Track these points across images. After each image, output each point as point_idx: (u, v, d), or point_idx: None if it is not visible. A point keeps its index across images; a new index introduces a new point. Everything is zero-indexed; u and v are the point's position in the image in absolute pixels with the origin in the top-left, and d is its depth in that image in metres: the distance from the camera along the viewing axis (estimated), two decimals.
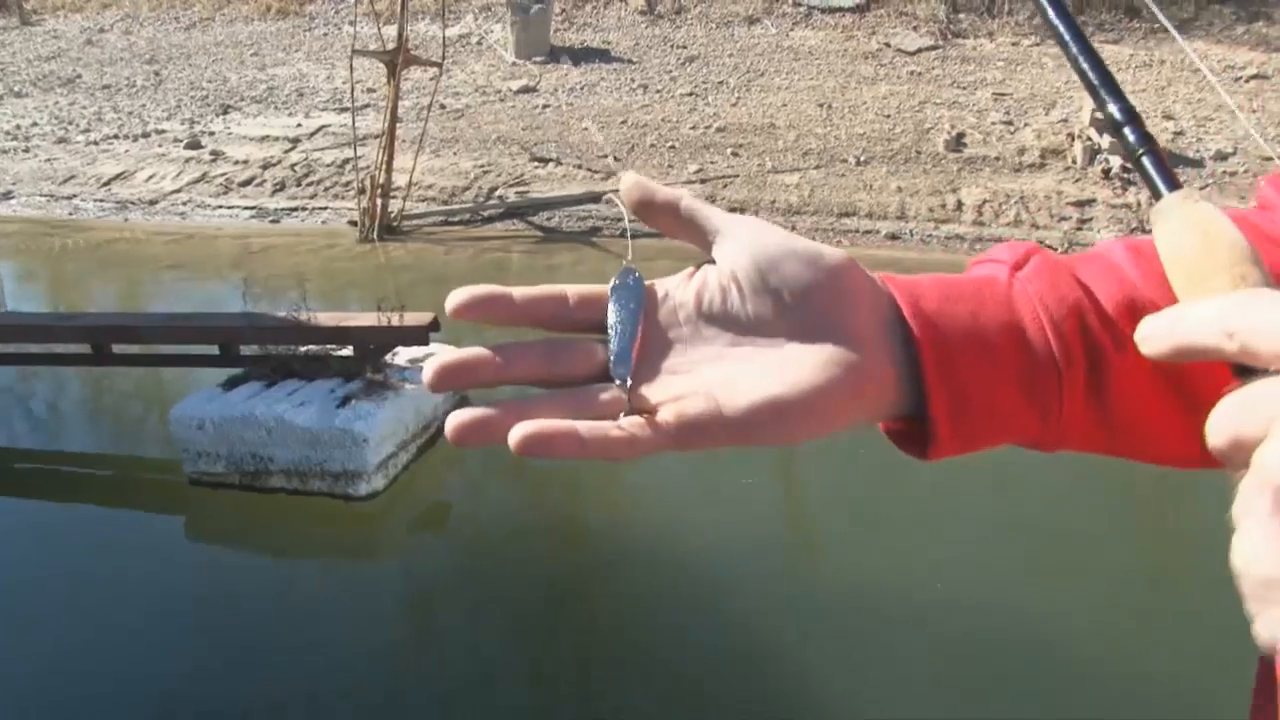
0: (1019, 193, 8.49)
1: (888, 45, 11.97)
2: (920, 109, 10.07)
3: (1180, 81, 10.73)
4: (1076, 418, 0.52)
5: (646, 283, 0.52)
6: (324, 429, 4.29)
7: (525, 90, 11.07)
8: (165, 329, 5.00)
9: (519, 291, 0.50)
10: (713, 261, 0.53)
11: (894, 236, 7.98)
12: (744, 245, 0.51)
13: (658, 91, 10.92)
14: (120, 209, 9.16)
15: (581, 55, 12.07)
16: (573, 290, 0.52)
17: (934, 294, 0.52)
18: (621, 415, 0.47)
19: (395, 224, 8.35)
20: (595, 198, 8.57)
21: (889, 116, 9.87)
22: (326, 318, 4.91)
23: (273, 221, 8.82)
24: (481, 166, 9.25)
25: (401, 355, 4.77)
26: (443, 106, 10.29)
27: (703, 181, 8.69)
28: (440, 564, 4.30)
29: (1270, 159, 8.92)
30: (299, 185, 9.26)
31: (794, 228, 8.04)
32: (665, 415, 0.47)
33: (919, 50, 11.88)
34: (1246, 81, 10.68)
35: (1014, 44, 11.97)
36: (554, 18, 12.61)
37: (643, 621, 3.83)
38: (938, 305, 0.51)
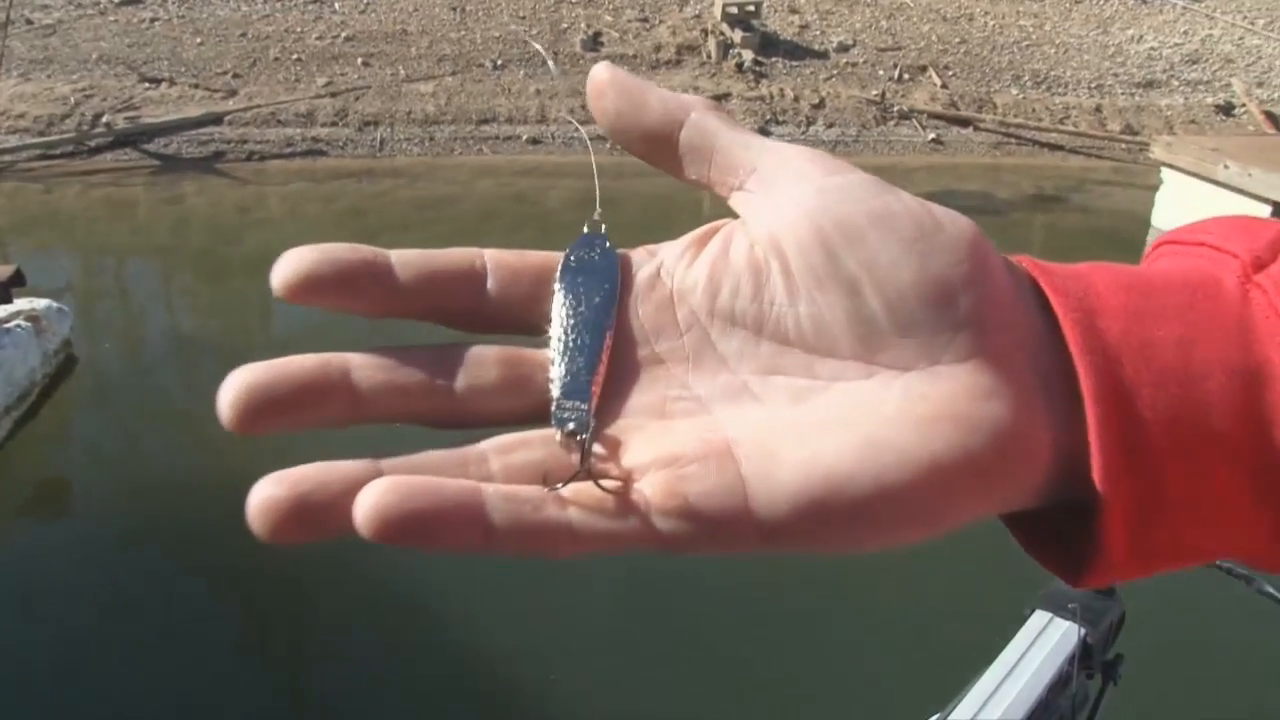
0: None
1: None
2: (556, 9, 9.88)
3: None
4: None
5: (621, 252, 0.32)
6: None
7: (128, 2, 10.01)
8: None
9: (402, 259, 0.30)
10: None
11: (535, 140, 7.84)
12: (799, 197, 0.30)
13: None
14: None
15: None
16: (493, 260, 0.31)
17: (1117, 306, 0.30)
18: (563, 485, 0.28)
19: None
20: (217, 119, 7.89)
21: (524, 18, 9.61)
22: None
23: None
24: (82, 90, 8.27)
25: None
26: (29, 21, 9.11)
27: (333, 95, 8.19)
28: (59, 550, 3.81)
29: (886, 49, 9.39)
30: None
31: (432, 138, 7.75)
32: (650, 491, 0.28)
33: None
34: None
35: None
36: None
37: (317, 584, 3.55)
38: (1124, 328, 0.30)
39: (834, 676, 3.05)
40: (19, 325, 4.11)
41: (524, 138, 7.88)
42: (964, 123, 8.64)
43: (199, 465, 4.23)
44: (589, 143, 0.37)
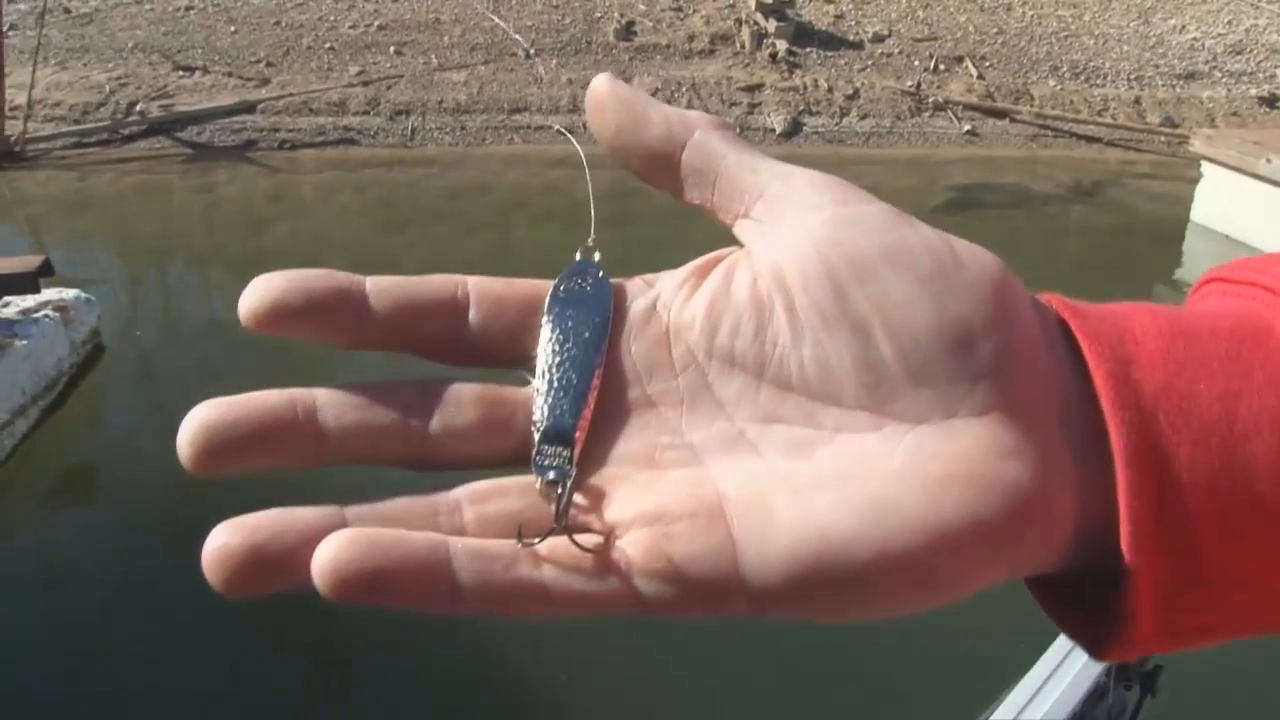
0: (690, 80, 8.48)
1: None
2: None
3: None
4: None
5: (615, 282, 0.30)
6: None
7: None
8: None
9: (378, 288, 0.29)
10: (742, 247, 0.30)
11: (568, 130, 7.80)
12: (807, 228, 0.28)
13: None
14: None
15: None
16: (476, 289, 0.30)
17: (1155, 354, 0.27)
18: (540, 538, 0.26)
19: (17, 149, 7.37)
20: (249, 107, 7.92)
21: (557, 6, 9.58)
22: None
23: None
24: (118, 79, 8.33)
25: (12, 306, 4.18)
26: (67, 10, 9.20)
27: (365, 84, 8.19)
28: (85, 538, 3.83)
29: (922, 40, 9.28)
30: None
31: (463, 128, 7.74)
32: (632, 550, 0.26)
33: None
34: None
35: None
36: None
37: None
38: (1163, 380, 0.27)
39: (865, 687, 3.00)
40: (47, 315, 4.12)
41: (555, 127, 7.85)
42: (1000, 114, 8.53)
43: None
44: (583, 156, 0.35)
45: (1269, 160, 5.66)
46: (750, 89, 8.47)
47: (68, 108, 7.96)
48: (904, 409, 0.27)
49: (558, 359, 0.29)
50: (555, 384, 0.28)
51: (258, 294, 0.28)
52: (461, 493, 0.28)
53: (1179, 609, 0.27)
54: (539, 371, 0.29)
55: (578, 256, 0.31)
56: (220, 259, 6.38)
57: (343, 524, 0.26)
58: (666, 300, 0.30)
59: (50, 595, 3.58)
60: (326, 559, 0.25)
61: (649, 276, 0.31)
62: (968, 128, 8.38)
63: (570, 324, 0.29)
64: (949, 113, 8.51)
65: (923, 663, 3.02)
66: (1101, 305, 0.29)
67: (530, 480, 0.28)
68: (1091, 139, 8.44)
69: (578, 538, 0.26)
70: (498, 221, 6.75)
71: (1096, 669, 1.35)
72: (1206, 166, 6.26)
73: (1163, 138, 8.35)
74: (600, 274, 0.30)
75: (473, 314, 0.29)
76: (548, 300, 0.30)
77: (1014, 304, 0.28)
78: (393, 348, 0.29)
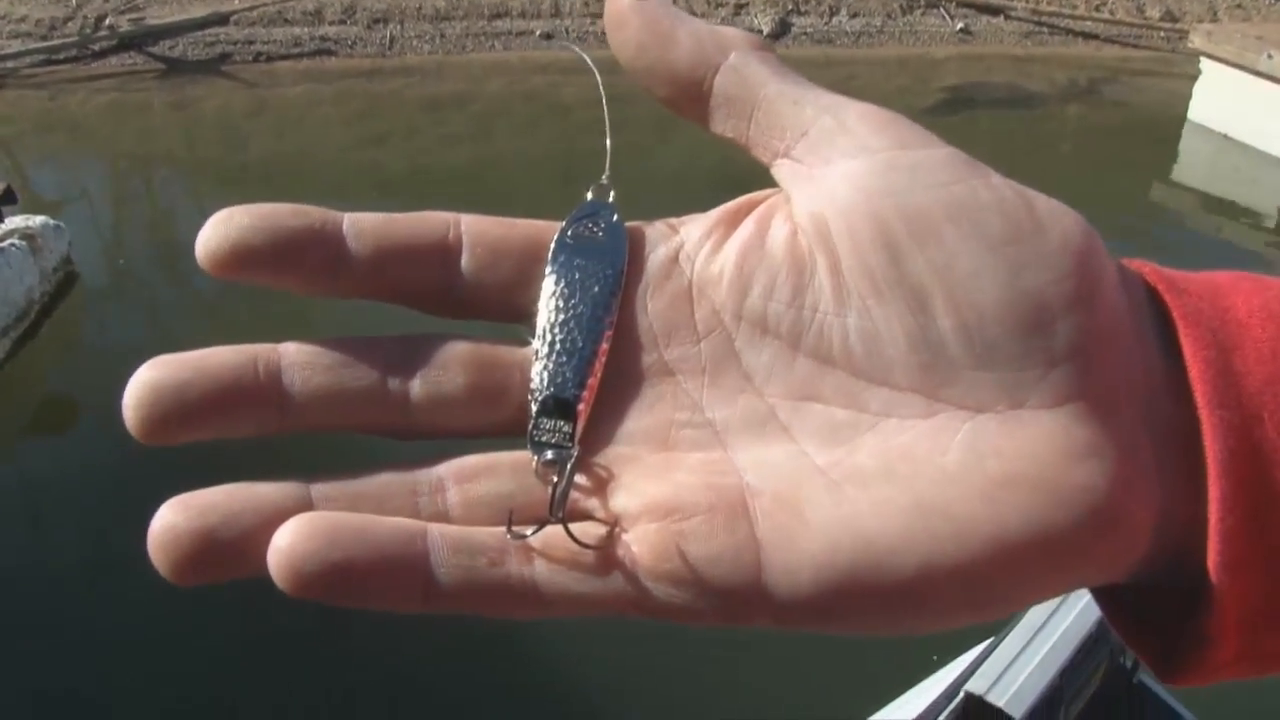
0: None
1: None
2: None
3: None
4: None
5: (632, 226, 0.27)
6: None
7: None
8: None
9: (357, 227, 0.25)
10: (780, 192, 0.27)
11: (549, 35, 7.63)
12: (858, 175, 0.25)
13: None
14: None
15: None
16: (471, 232, 0.26)
17: (1262, 341, 0.24)
18: (534, 529, 0.23)
19: None
20: (222, 19, 7.70)
21: None
22: None
23: None
24: None
25: None
26: None
27: None
28: (65, 467, 3.77)
29: None
30: None
31: (443, 35, 7.56)
32: (639, 548, 0.23)
33: None
34: None
35: None
36: None
37: None
38: (1270, 373, 0.24)
39: None
40: (13, 245, 4.02)
41: (537, 33, 7.66)
42: (994, 11, 8.31)
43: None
44: (599, 77, 0.29)
45: (1270, 56, 5.51)
46: None
47: (33, 23, 7.73)
48: (963, 394, 0.24)
49: (561, 317, 0.25)
50: (557, 346, 0.25)
51: (217, 233, 0.25)
52: (446, 469, 0.25)
53: (1267, 634, 0.24)
54: (539, 331, 0.26)
55: (589, 195, 0.27)
56: (199, 178, 6.26)
57: (307, 505, 0.24)
58: (691, 250, 0.26)
59: (27, 530, 3.54)
60: (283, 550, 0.22)
61: (673, 221, 0.27)
62: (961, 25, 8.18)
63: (578, 276, 0.26)
64: (941, 10, 8.29)
65: None
66: (1199, 276, 0.25)
67: (525, 457, 0.25)
68: (1088, 35, 8.23)
69: (578, 529, 0.23)
70: (480, 131, 6.62)
71: None
72: (1205, 63, 6.10)
73: (1162, 33, 8.15)
74: (615, 218, 0.26)
75: (465, 260, 0.26)
76: (553, 247, 0.26)
77: (1099, 277, 0.24)
78: (373, 297, 0.26)
